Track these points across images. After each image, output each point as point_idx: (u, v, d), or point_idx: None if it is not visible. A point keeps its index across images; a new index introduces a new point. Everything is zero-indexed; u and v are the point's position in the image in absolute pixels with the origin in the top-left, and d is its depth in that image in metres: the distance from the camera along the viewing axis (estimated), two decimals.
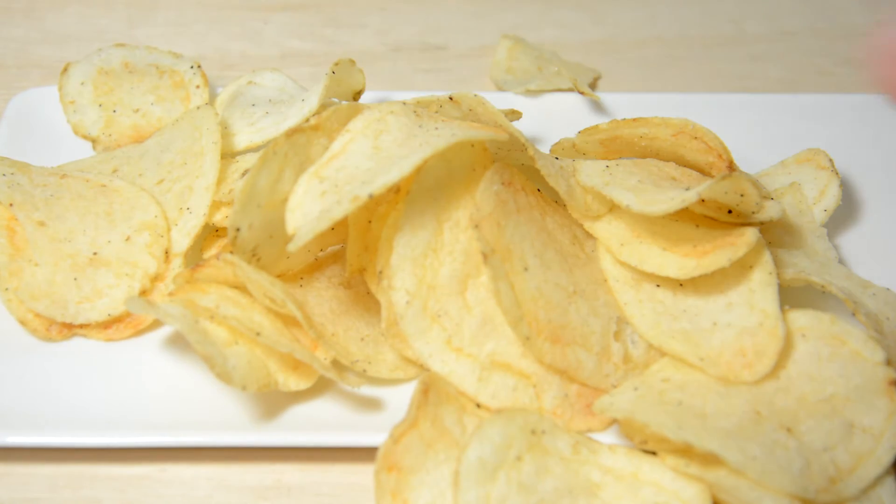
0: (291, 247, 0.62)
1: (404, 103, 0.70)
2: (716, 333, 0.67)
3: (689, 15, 1.07)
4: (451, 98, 0.73)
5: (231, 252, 0.67)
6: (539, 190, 0.74)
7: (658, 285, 0.70)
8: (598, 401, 0.66)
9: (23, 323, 0.71)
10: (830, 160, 0.81)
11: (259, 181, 0.65)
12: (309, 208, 0.63)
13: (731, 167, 0.74)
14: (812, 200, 0.79)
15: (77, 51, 0.99)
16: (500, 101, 0.90)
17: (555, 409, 0.66)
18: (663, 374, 0.67)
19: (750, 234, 0.68)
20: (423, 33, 1.05)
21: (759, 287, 0.68)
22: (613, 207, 0.73)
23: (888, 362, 0.66)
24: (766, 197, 0.71)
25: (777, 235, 0.76)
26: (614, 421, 0.67)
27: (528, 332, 0.65)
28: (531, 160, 0.71)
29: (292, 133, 0.67)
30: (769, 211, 0.70)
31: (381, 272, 0.67)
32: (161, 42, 1.02)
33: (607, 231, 0.72)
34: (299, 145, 0.67)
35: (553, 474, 0.62)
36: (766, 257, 0.69)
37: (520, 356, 0.67)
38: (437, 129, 0.68)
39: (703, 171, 0.76)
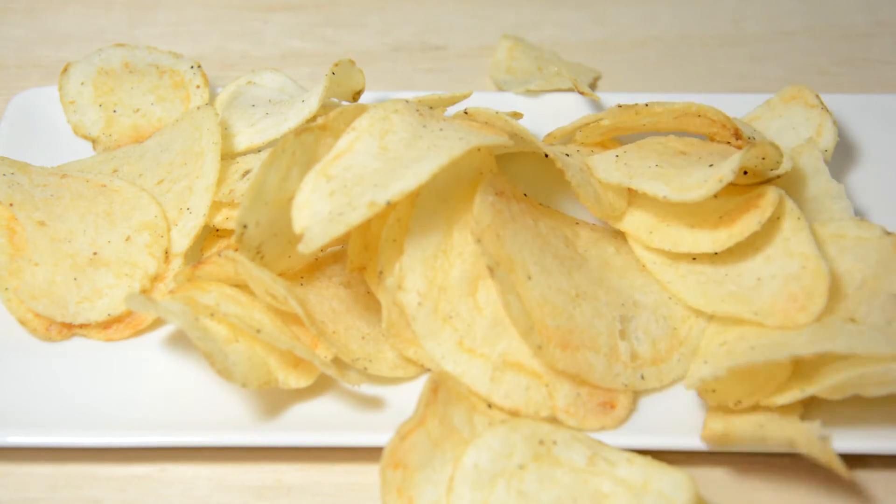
0: (303, 248, 0.61)
1: (407, 101, 0.70)
2: (763, 287, 0.68)
3: (689, 15, 1.07)
4: (465, 112, 0.73)
5: (236, 249, 0.67)
6: (525, 195, 0.74)
7: (694, 258, 0.71)
8: (687, 381, 0.67)
9: (22, 323, 0.71)
10: (817, 96, 0.82)
11: (268, 178, 0.65)
12: (317, 208, 0.63)
13: (738, 135, 0.75)
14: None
15: (77, 51, 0.99)
16: (500, 101, 0.90)
17: (567, 407, 0.66)
18: (717, 341, 0.69)
19: (772, 193, 0.70)
20: (423, 33, 1.05)
21: (792, 233, 0.70)
22: (632, 199, 0.74)
23: (885, 231, 0.70)
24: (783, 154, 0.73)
25: (792, 194, 0.76)
26: (626, 420, 0.67)
27: (540, 340, 0.65)
28: (560, 172, 0.72)
29: (301, 132, 0.67)
30: (784, 166, 0.72)
31: (381, 272, 0.67)
32: (161, 42, 1.02)
33: (632, 223, 0.73)
34: (307, 144, 0.67)
35: (560, 484, 0.62)
36: (791, 205, 0.71)
37: (531, 356, 0.67)
38: (441, 129, 0.68)
39: (707, 136, 0.77)
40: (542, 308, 0.66)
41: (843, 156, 0.86)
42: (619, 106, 0.76)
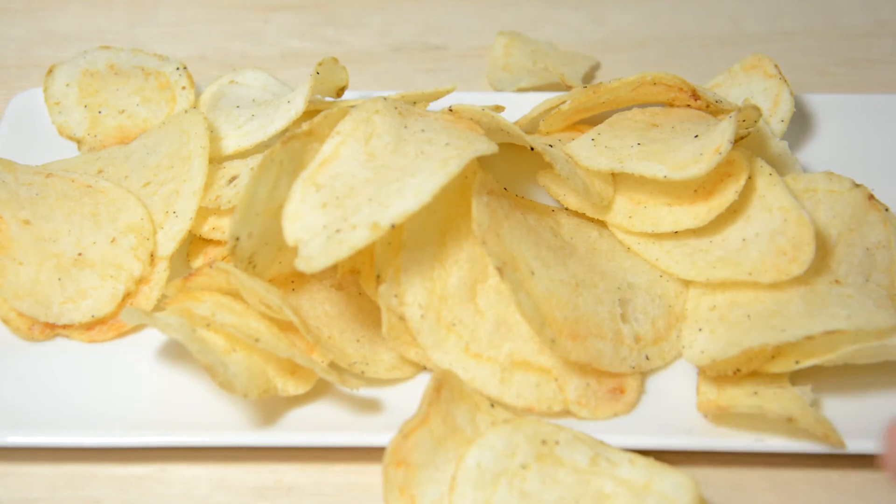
0: (305, 268, 0.61)
1: (385, 99, 0.70)
2: (749, 247, 0.70)
3: (689, 15, 1.07)
4: (450, 109, 0.73)
5: (226, 260, 0.67)
6: (505, 189, 0.74)
7: (675, 231, 0.72)
8: (686, 358, 0.67)
9: (5, 321, 0.71)
10: (776, 66, 0.84)
11: (258, 190, 0.65)
12: (309, 220, 0.63)
13: (696, 95, 0.76)
14: (767, 112, 0.81)
15: (77, 51, 0.99)
16: (501, 100, 0.89)
17: (579, 399, 0.67)
18: (705, 304, 0.70)
19: (742, 159, 0.72)
20: (423, 33, 1.05)
21: (767, 189, 0.71)
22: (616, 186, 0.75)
23: (855, 184, 0.72)
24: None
25: None
26: (637, 403, 0.68)
27: (552, 334, 0.65)
28: (552, 169, 0.73)
29: (288, 140, 0.67)
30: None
31: (378, 276, 0.67)
32: (161, 42, 1.02)
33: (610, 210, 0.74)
34: (294, 151, 0.67)
35: (562, 484, 0.62)
36: (760, 162, 0.73)
37: (538, 353, 0.67)
38: (423, 131, 0.68)
39: (666, 103, 0.79)
40: (549, 302, 0.66)
41: (843, 156, 0.86)
42: (575, 88, 0.79)
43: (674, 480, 0.61)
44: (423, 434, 0.62)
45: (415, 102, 0.81)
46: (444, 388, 0.64)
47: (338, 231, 0.62)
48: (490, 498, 0.61)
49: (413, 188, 0.63)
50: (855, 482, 0.66)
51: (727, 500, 0.66)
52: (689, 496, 0.60)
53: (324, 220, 0.63)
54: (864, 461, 0.67)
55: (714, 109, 0.77)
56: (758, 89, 0.83)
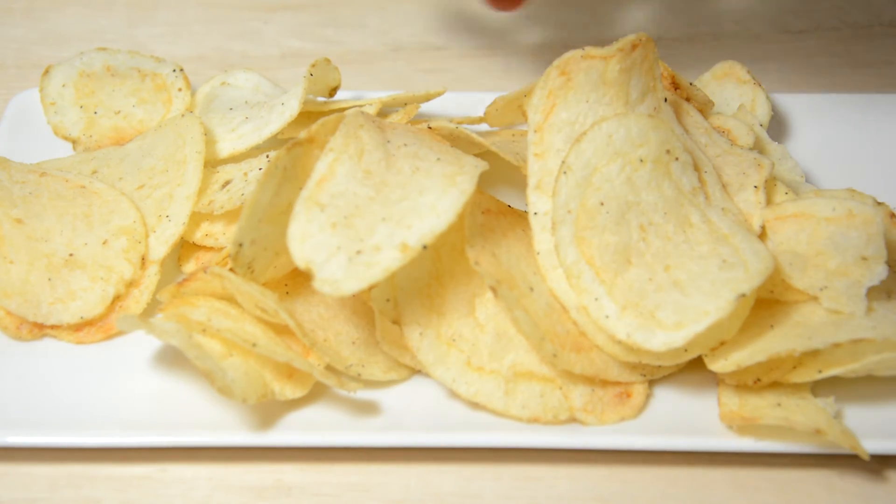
0: (333, 292, 0.60)
1: (363, 112, 0.70)
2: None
3: (690, 15, 1.07)
4: (429, 127, 0.73)
5: (221, 264, 0.67)
6: (509, 206, 0.74)
7: None
8: (710, 366, 0.65)
9: None
10: (748, 71, 0.83)
11: (263, 196, 0.65)
12: (321, 241, 0.62)
13: (675, 82, 0.76)
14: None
15: (77, 51, 0.99)
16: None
17: (585, 406, 0.66)
18: None
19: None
20: (423, 33, 1.05)
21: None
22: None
23: (876, 202, 0.71)
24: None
25: None
26: (644, 406, 0.67)
27: (553, 349, 0.65)
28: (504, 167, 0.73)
29: (292, 147, 0.66)
30: (746, 140, 0.76)
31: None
32: (160, 42, 1.02)
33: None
34: (296, 158, 0.67)
35: (661, 193, 0.65)
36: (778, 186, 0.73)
37: (540, 362, 0.67)
38: (406, 145, 0.68)
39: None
40: (549, 316, 0.66)
41: (844, 156, 0.86)
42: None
43: (755, 247, 0.63)
44: (598, 67, 0.67)
45: (405, 104, 0.81)
46: (640, 48, 0.67)
47: (358, 253, 0.61)
48: (603, 167, 0.64)
49: (430, 207, 0.63)
50: (855, 482, 0.66)
51: (727, 500, 0.66)
52: (762, 265, 0.62)
53: (336, 240, 0.62)
54: (863, 461, 0.67)
55: (696, 102, 0.77)
56: (732, 96, 0.82)
